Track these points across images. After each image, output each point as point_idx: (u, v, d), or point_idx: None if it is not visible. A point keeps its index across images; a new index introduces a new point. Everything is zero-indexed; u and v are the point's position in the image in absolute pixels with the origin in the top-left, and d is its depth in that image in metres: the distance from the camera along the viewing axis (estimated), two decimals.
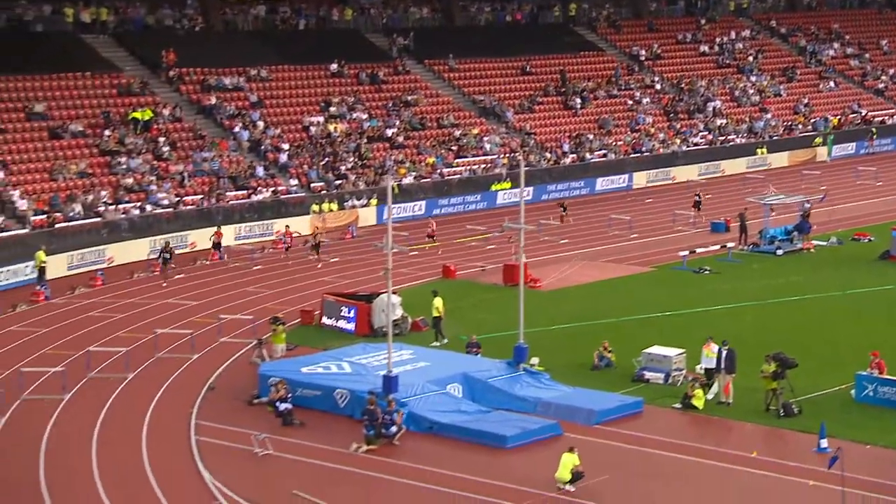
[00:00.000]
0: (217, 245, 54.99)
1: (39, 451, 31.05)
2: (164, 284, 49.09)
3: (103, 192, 58.05)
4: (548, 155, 75.02)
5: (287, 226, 57.51)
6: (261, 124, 67.91)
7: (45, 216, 54.79)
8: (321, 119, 70.34)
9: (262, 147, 66.23)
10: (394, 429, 31.66)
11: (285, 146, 66.79)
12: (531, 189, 68.47)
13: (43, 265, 49.50)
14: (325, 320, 42.97)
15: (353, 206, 63.55)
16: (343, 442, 31.59)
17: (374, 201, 64.22)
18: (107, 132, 62.38)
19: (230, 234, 57.89)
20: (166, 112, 65.83)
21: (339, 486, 29.10)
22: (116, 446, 31.52)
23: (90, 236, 54.77)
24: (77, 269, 51.94)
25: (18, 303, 46.29)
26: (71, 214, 55.74)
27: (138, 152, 61.88)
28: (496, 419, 32.87)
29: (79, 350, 38.99)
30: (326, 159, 66.96)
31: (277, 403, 33.29)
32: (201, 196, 60.38)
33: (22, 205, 55.10)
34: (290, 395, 33.42)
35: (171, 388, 36.27)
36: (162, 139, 63.52)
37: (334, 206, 62.86)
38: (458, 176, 70.23)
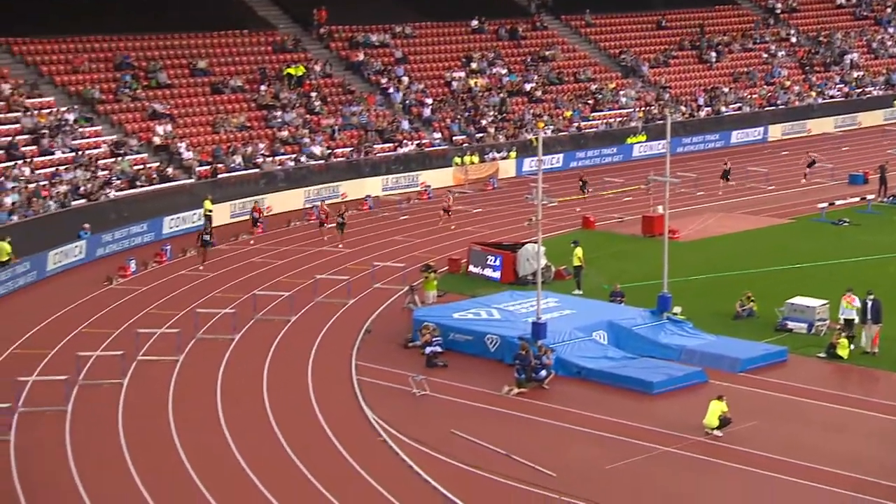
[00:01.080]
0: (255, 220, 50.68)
1: (216, 389, 31.96)
2: (201, 268, 44.23)
3: (261, 145, 59.01)
4: (682, 108, 74.05)
5: (323, 201, 52.84)
6: (405, 80, 68.29)
7: (208, 167, 55.99)
8: (462, 74, 70.40)
9: (407, 102, 66.62)
10: (543, 373, 31.86)
11: (429, 101, 67.06)
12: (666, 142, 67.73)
13: (209, 213, 50.68)
14: (471, 268, 43.29)
15: (494, 159, 63.61)
16: (494, 384, 31.87)
17: (513, 154, 64.25)
18: (263, 87, 63.29)
19: (377, 186, 58.56)
20: (317, 68, 66.52)
21: (492, 426, 29.35)
22: (285, 384, 32.27)
23: (249, 186, 55.70)
24: (238, 217, 52.89)
25: (188, 248, 47.38)
26: (232, 165, 56.84)
27: (292, 106, 62.68)
28: (642, 366, 32.84)
29: (245, 293, 39.94)
30: (468, 113, 67.12)
31: (425, 346, 33.83)
32: (350, 148, 61.07)
33: (188, 156, 56.32)
34: (434, 339, 33.84)
35: (331, 330, 36.93)
36: (314, 94, 64.26)
37: (475, 159, 62.99)
38: (595, 129, 69.86)
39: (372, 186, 58.08)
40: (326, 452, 27.60)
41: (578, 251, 41.17)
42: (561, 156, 65.77)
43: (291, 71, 64.93)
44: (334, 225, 48.44)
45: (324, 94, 64.75)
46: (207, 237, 45.05)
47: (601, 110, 71.51)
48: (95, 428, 29.02)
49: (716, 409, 28.54)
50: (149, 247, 47.60)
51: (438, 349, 33.87)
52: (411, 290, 39.26)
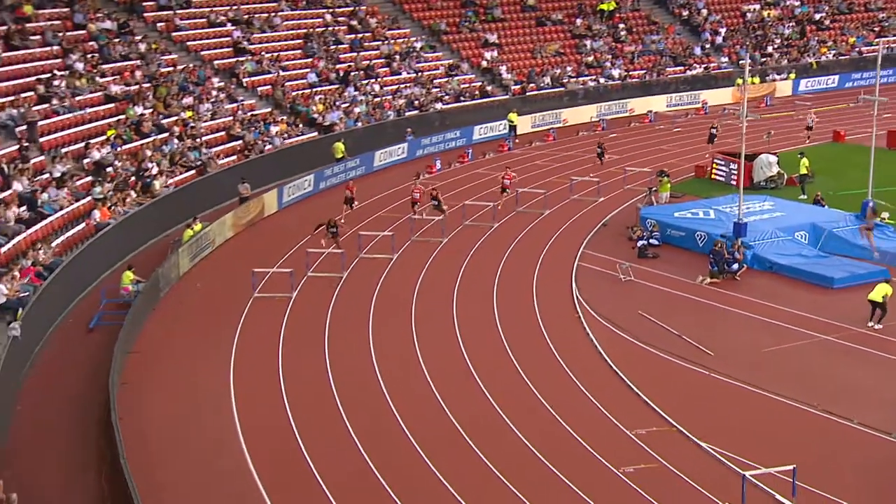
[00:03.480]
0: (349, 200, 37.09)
1: (463, 262, 31.91)
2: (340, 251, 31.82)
3: (568, 68, 57.88)
4: None
5: (417, 177, 40.28)
6: (704, 11, 64.48)
7: (520, 86, 55.60)
8: (757, 7, 65.59)
9: (702, 30, 62.97)
10: (735, 266, 29.67)
11: (722, 30, 63.11)
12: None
13: (513, 124, 50.47)
14: (715, 175, 40.72)
15: (774, 80, 59.12)
16: (691, 275, 29.99)
17: (792, 75, 59.44)
18: (578, 20, 61.81)
19: (662, 103, 55.99)
20: (628, 3, 64.08)
21: (678, 310, 27.72)
22: (518, 263, 31.78)
23: (552, 102, 54.76)
24: (538, 127, 52.13)
25: (488, 151, 47.56)
26: (541, 85, 56.16)
27: (601, 36, 60.93)
28: (829, 263, 29.85)
29: (514, 190, 39.24)
30: (756, 40, 62.60)
31: (637, 240, 32.24)
32: (644, 71, 58.67)
33: (507, 77, 56.22)
34: (645, 233, 32.17)
35: (574, 223, 35.88)
36: (621, 25, 62.09)
37: (756, 80, 58.81)
38: (875, 53, 63.06)
39: (657, 103, 55.61)
40: (526, 321, 27.00)
41: (805, 161, 37.85)
42: (837, 77, 60.17)
43: (604, 6, 62.89)
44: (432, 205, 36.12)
45: (630, 25, 62.39)
46: (335, 229, 32.53)
47: (885, 36, 64.54)
48: (357, 293, 29.30)
49: (881, 290, 25.63)
50: (459, 150, 47.85)
51: (655, 242, 32.27)
52: (650, 192, 37.47)
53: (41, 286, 25.35)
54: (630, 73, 58.31)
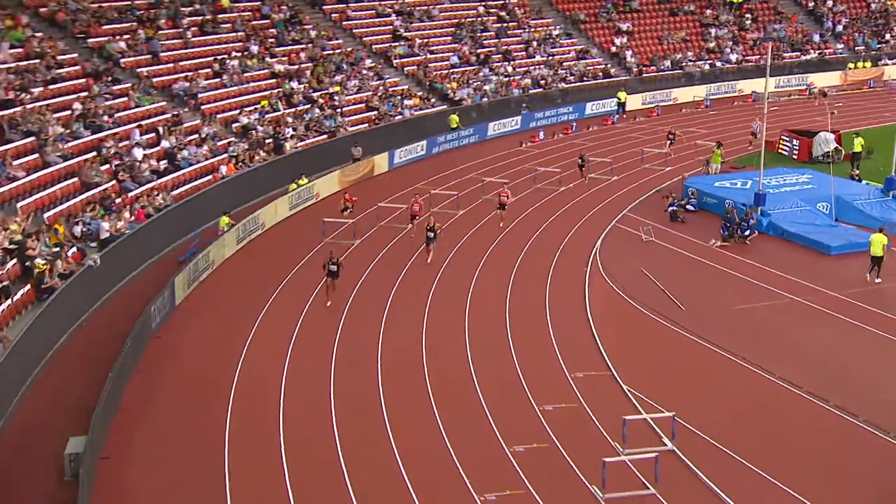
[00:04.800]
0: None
1: (518, 217, 30.78)
2: (329, 304, 23.82)
3: (689, 53, 54.52)
4: None
5: (416, 196, 30.93)
6: (829, 2, 58.78)
7: (639, 68, 52.93)
8: None
9: (825, 19, 57.47)
10: (747, 231, 27.23)
11: (844, 19, 57.35)
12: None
13: (621, 101, 48.25)
14: (781, 149, 37.37)
15: (885, 64, 53.24)
16: (710, 238, 27.84)
17: None
18: (708, 10, 58.00)
19: (772, 84, 51.55)
20: None
21: (681, 269, 25.90)
22: (563, 219, 30.52)
23: (666, 83, 51.83)
24: (647, 104, 49.58)
25: (592, 125, 45.75)
26: (661, 67, 53.24)
27: (726, 24, 56.91)
28: (833, 232, 27.07)
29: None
30: (877, 28, 56.46)
31: (669, 205, 30.10)
32: (757, 56, 54.31)
33: (630, 60, 53.71)
34: (676, 200, 30.00)
35: (633, 189, 33.94)
36: (748, 15, 57.69)
37: (868, 64, 53.22)
38: None
39: (761, 85, 51.25)
40: (538, 270, 25.93)
41: (860, 140, 34.20)
42: None
43: None
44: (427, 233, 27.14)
45: (756, 15, 57.87)
46: (335, 267, 24.13)
47: None
48: (414, 242, 28.35)
49: (878, 242, 23.34)
50: (567, 123, 46.10)
51: (692, 208, 30.13)
52: (707, 163, 34.89)
53: (142, 224, 26.57)
54: (747, 57, 54.21)
